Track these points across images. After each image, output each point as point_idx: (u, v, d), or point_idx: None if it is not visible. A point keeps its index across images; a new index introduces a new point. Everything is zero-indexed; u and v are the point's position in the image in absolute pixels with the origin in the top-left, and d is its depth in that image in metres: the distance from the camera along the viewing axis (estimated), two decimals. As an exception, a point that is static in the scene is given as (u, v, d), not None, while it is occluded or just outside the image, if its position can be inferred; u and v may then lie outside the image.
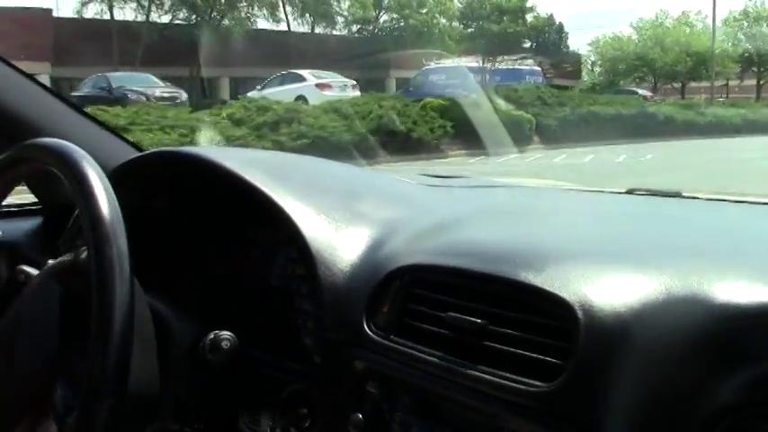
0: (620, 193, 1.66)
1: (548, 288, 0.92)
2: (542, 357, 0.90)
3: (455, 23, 30.19)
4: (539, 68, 30.46)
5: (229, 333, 1.21)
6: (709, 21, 70.73)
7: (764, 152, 16.02)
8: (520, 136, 18.14)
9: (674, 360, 0.83)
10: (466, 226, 1.25)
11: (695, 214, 1.41)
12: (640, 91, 39.37)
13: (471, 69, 25.06)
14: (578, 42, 79.75)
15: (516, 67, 28.89)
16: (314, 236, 1.20)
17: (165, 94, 19.16)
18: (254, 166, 1.35)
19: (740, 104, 32.84)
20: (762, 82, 71.89)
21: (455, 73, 24.18)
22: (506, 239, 1.15)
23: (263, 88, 21.16)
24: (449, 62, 27.13)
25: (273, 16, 32.77)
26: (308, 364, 1.18)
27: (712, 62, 41.54)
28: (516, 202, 1.65)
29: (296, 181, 1.37)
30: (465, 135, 17.22)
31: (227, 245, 1.47)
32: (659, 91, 66.91)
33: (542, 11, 60.51)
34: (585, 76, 68.83)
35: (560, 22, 61.83)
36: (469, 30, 29.35)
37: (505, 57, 29.16)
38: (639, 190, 1.59)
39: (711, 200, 1.55)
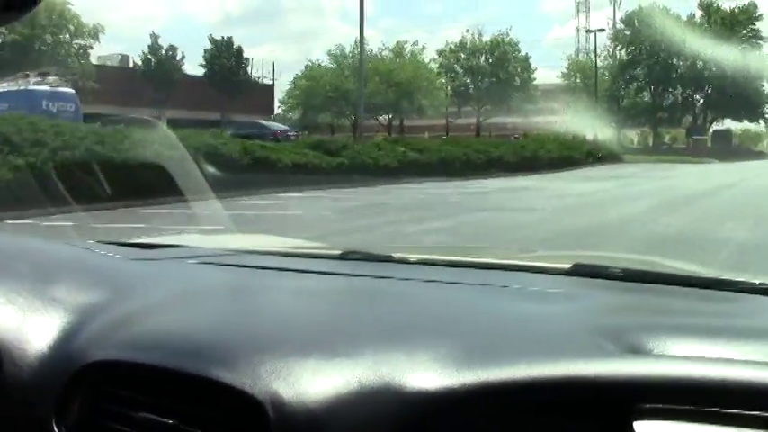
0: (333, 257, 1.75)
1: (238, 385, 0.99)
2: None
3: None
4: (71, 91, 22.74)
5: None
6: (428, 53, 69.67)
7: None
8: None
9: None
10: (163, 311, 1.26)
11: (402, 285, 1.46)
12: (272, 125, 34.52)
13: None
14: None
15: (31, 88, 21.05)
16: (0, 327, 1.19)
17: None
18: None
19: (410, 143, 28.86)
20: (482, 119, 72.54)
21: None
22: (201, 328, 1.18)
23: None
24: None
25: None
26: None
27: (361, 93, 37.66)
28: (221, 276, 1.61)
29: None
30: None
31: None
32: (359, 127, 63.94)
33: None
34: (293, 112, 64.71)
35: (239, 46, 56.48)
36: None
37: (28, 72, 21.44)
38: (353, 253, 1.72)
39: (421, 263, 1.66)
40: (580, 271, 1.47)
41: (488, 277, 1.52)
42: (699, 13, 61.22)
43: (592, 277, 1.45)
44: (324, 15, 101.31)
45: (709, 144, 58.64)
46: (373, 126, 63.05)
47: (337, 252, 1.77)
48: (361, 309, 1.32)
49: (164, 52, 52.87)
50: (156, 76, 49.93)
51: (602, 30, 59.58)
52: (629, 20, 62.16)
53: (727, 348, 0.98)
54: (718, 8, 60.53)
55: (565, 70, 66.15)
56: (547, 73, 67.33)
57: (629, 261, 1.85)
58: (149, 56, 52.64)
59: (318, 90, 60.02)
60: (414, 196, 16.85)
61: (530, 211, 12.68)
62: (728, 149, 54.87)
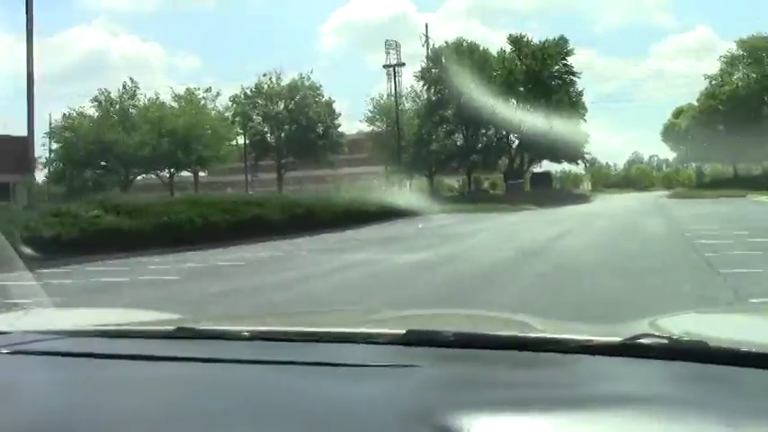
0: (164, 335, 1.68)
1: None
2: None
3: None
4: None
5: None
6: (222, 100, 61.90)
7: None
8: None
9: None
10: None
11: (227, 370, 1.41)
12: None
13: None
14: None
15: None
16: None
17: None
18: None
19: (120, 205, 21.53)
20: (283, 171, 65.68)
21: None
22: None
23: None
24: None
25: None
26: None
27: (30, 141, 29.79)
28: (33, 370, 1.53)
29: None
30: None
31: None
32: (130, 186, 55.35)
33: None
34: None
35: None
36: None
37: None
38: (185, 330, 1.66)
39: (255, 338, 1.60)
40: (413, 338, 1.46)
41: (321, 352, 1.49)
42: (509, 49, 56.94)
43: (424, 345, 1.44)
44: (152, 72, 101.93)
45: (527, 188, 53.95)
46: (154, 185, 54.72)
47: (170, 329, 1.70)
48: (177, 404, 1.25)
49: None
50: None
51: (403, 64, 54.01)
52: (435, 57, 57.14)
53: (549, 423, 1.01)
54: (529, 42, 56.52)
55: (369, 114, 60.20)
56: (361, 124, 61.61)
57: (470, 320, 2.08)
58: None
59: (79, 142, 51.15)
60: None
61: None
62: (548, 193, 50.20)
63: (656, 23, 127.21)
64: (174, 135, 50.65)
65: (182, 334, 1.64)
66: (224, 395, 1.26)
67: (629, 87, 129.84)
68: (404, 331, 1.48)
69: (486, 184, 63.77)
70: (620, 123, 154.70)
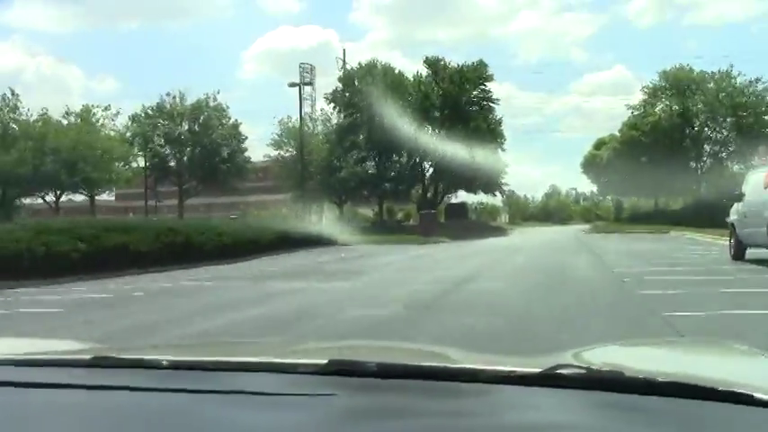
0: (84, 365, 1.59)
1: None
2: None
3: None
4: None
5: None
6: (123, 120, 57.66)
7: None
8: None
9: None
10: None
11: (143, 399, 1.37)
12: None
13: None
14: None
15: None
16: None
17: None
18: None
19: None
20: (185, 197, 61.62)
21: None
22: None
23: None
24: None
25: None
26: None
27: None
28: None
29: None
30: None
31: None
32: (12, 209, 50.70)
33: None
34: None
35: None
36: None
37: None
38: (105, 359, 1.60)
39: (174, 367, 1.53)
40: (334, 368, 1.45)
41: (240, 381, 1.44)
42: (425, 72, 54.23)
43: (345, 375, 1.43)
44: (69, 92, 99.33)
45: (442, 219, 51.04)
46: (44, 209, 50.08)
47: (87, 357, 1.65)
48: None
49: None
50: None
51: (310, 83, 50.62)
52: (347, 79, 54.07)
53: None
54: (446, 66, 53.91)
55: (276, 137, 56.70)
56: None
57: (393, 351, 2.07)
58: None
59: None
60: None
61: None
62: (464, 225, 47.38)
63: (574, 61, 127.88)
64: (58, 153, 46.13)
65: (99, 363, 1.59)
66: (140, 423, 1.25)
67: (548, 121, 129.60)
68: (325, 361, 1.45)
69: (400, 215, 60.90)
70: (538, 155, 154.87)
